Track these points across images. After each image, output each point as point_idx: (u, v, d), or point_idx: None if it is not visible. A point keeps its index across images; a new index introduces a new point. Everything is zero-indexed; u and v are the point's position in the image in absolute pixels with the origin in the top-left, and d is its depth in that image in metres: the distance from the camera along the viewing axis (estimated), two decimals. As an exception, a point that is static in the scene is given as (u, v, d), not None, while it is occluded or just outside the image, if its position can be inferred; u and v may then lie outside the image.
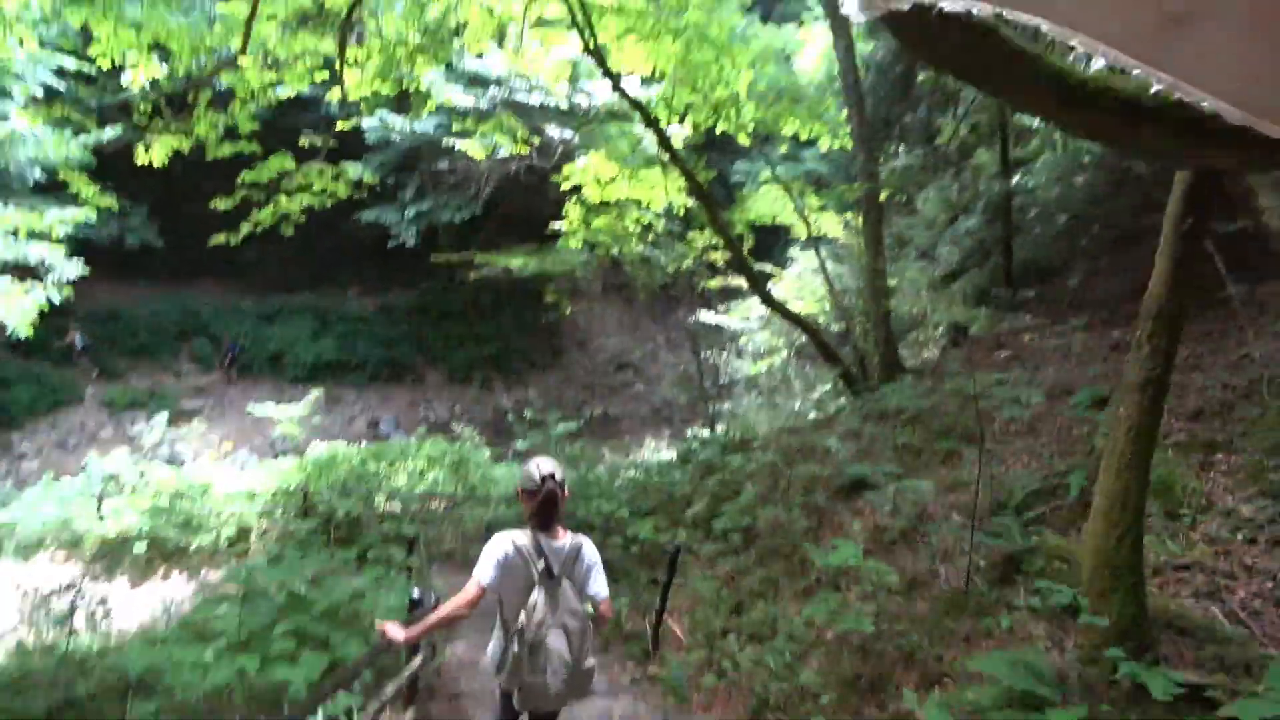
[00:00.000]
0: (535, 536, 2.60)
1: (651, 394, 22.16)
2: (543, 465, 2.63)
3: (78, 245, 12.57)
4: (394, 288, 22.83)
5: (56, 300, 10.82)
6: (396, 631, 2.62)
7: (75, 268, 11.71)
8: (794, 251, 13.85)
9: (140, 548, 9.50)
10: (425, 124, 16.85)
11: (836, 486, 6.42)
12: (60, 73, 12.05)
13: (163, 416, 16.26)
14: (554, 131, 16.60)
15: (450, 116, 14.94)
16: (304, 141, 9.83)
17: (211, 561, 9.34)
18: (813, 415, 9.74)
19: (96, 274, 12.82)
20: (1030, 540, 4.20)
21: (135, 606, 7.78)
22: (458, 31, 9.64)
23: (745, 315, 12.94)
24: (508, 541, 2.59)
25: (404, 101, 11.81)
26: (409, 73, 9.57)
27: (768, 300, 10.07)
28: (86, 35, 7.10)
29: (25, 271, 10.98)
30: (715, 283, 13.19)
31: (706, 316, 13.45)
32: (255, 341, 20.51)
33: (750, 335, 12.89)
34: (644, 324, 23.92)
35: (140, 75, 7.19)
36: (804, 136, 11.13)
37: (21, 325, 10.24)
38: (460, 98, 14.85)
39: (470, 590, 2.48)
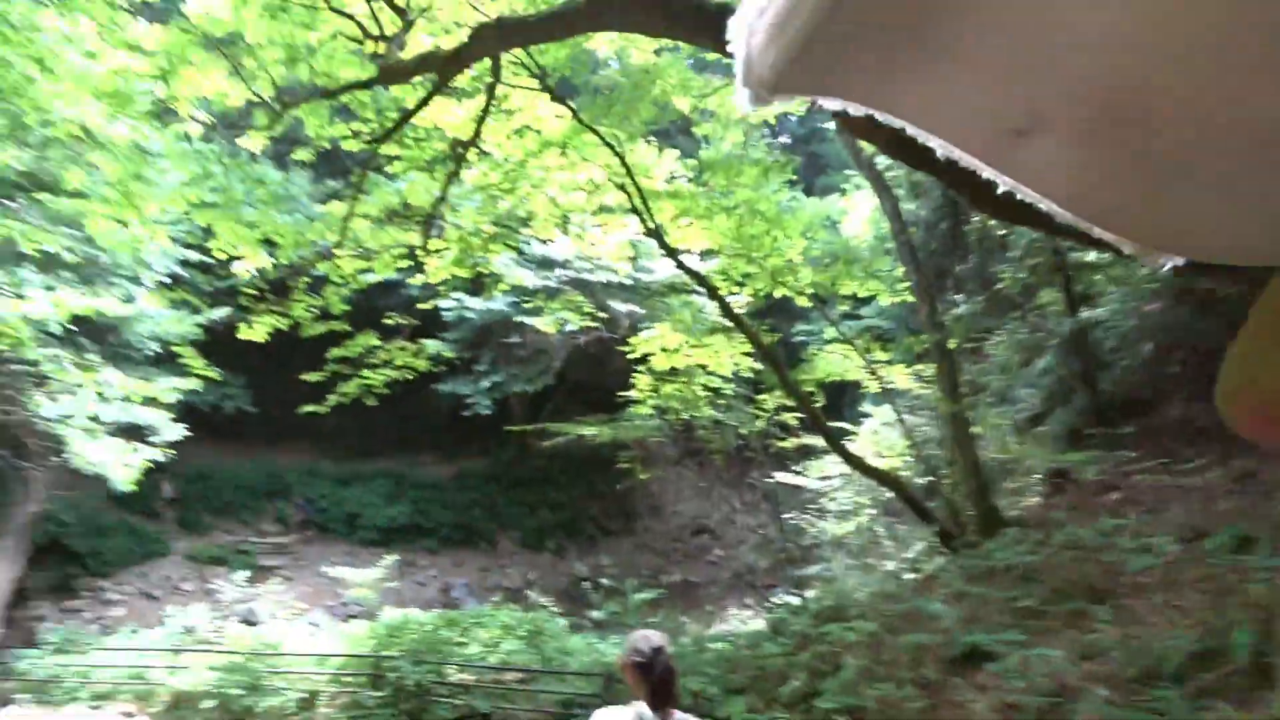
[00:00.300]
0: (645, 716, 2.38)
1: (731, 559, 21.24)
2: (651, 638, 2.47)
3: (182, 410, 13.82)
4: (468, 455, 23.36)
5: (161, 460, 11.56)
6: None
7: (177, 430, 12.97)
8: (867, 406, 13.61)
9: (208, 705, 9.34)
10: (498, 303, 17.99)
11: (949, 657, 5.78)
12: (184, 263, 14.09)
13: (242, 574, 16.51)
14: (619, 306, 17.44)
15: (521, 296, 15.92)
16: (389, 320, 10.55)
17: (276, 727, 9.00)
18: (909, 576, 9.04)
19: (194, 436, 14.03)
20: (1204, 717, 3.60)
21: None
22: (526, 221, 10.49)
23: (824, 474, 12.54)
24: None
25: (478, 283, 12.78)
26: (483, 258, 10.35)
27: (846, 457, 9.77)
28: (208, 231, 8.11)
29: (133, 433, 12.08)
30: (790, 443, 12.97)
31: (784, 477, 13.08)
32: (333, 504, 21.20)
33: (832, 494, 12.41)
34: (719, 488, 23.45)
35: (249, 264, 8.10)
36: (861, 294, 11.36)
37: (125, 481, 11.18)
38: (530, 279, 15.89)
39: None
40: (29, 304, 8.84)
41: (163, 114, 6.74)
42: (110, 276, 12.75)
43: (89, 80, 5.98)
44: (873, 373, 11.22)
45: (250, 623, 14.02)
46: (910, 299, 10.82)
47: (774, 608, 10.68)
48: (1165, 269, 0.66)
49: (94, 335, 12.79)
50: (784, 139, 26.41)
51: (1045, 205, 0.59)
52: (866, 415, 13.32)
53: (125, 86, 6.06)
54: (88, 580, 16.47)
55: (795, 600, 10.29)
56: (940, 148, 0.56)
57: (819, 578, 11.38)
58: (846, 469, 10.91)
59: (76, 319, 9.95)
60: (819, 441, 10.97)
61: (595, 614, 10.95)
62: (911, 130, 0.54)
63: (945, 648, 5.94)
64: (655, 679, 2.38)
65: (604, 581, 11.00)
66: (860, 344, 11.78)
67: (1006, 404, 11.79)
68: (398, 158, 8.65)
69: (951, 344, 10.50)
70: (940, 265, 13.14)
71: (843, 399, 16.69)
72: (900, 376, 11.89)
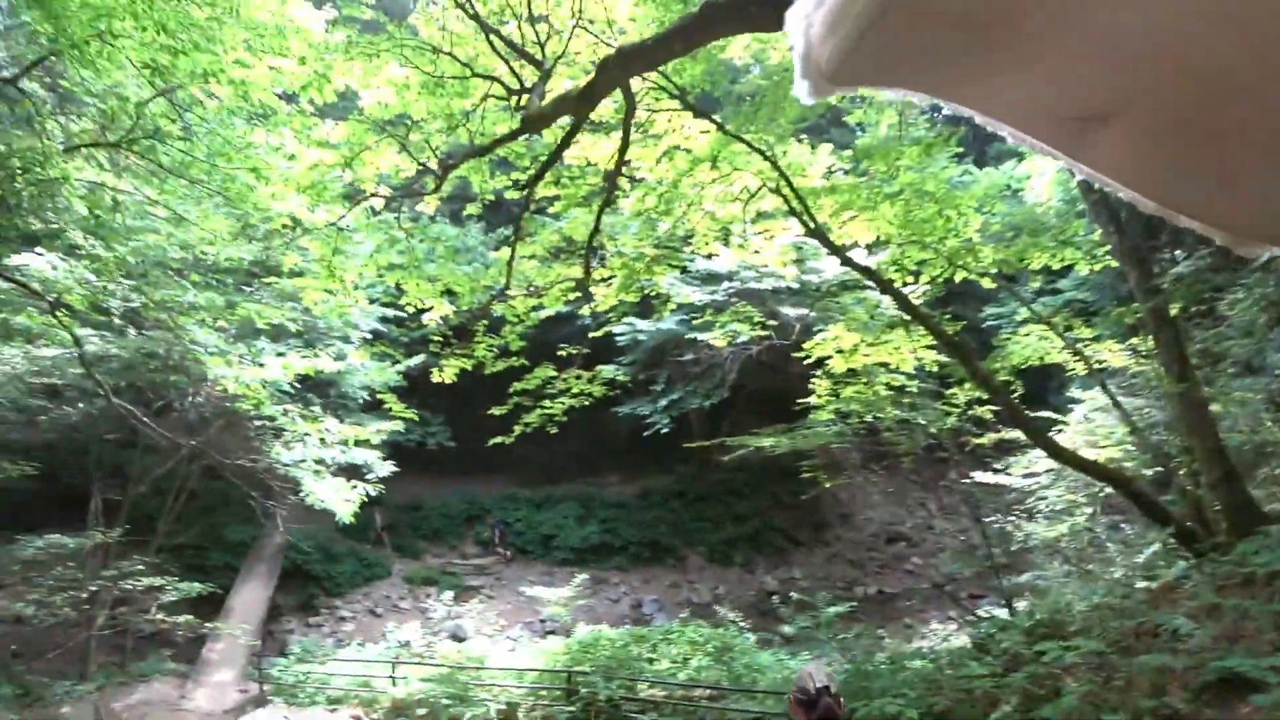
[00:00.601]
0: None
1: (930, 568, 19.91)
2: (816, 675, 2.48)
3: (390, 449, 15.70)
4: (650, 474, 24.03)
5: (374, 494, 13.17)
6: None
7: (387, 467, 14.73)
8: (1075, 391, 12.22)
9: (421, 713, 10.53)
10: (668, 322, 18.34)
11: (1200, 684, 4.99)
12: (382, 320, 16.24)
13: (449, 593, 18.31)
14: (789, 311, 17.06)
15: (690, 313, 16.10)
16: (563, 352, 11.15)
17: (479, 736, 9.85)
18: (1142, 585, 7.92)
19: (402, 471, 15.76)
20: None
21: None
22: (687, 239, 10.61)
23: (1029, 470, 11.38)
24: None
25: (648, 305, 13.13)
26: (648, 281, 10.61)
27: (1053, 451, 8.80)
28: (399, 289, 9.24)
29: (352, 472, 13.73)
30: (987, 439, 11.94)
31: (983, 477, 12.04)
32: (528, 527, 22.80)
33: (1040, 493, 11.21)
34: (912, 491, 22.11)
35: (435, 314, 9.00)
36: (1055, 266, 10.26)
37: (347, 515, 12.67)
38: (697, 295, 16.00)
39: None
40: (265, 370, 10.43)
41: (352, 195, 7.68)
42: (325, 339, 14.92)
43: (293, 179, 7.01)
44: (1077, 353, 10.10)
45: (458, 638, 15.43)
46: (1114, 264, 9.62)
47: (979, 621, 9.84)
48: (1262, 260, 0.61)
49: (316, 389, 15.06)
50: (946, 110, 24.61)
51: (1125, 194, 0.58)
52: (1075, 401, 11.96)
53: (320, 178, 7.02)
54: (325, 600, 19.05)
55: (1003, 613, 9.44)
56: (1010, 135, 0.56)
57: (1030, 587, 10.32)
58: (1055, 464, 9.85)
59: (301, 377, 11.64)
60: (1020, 436, 10.01)
61: (786, 629, 10.72)
62: (980, 119, 0.55)
63: (1194, 672, 5.15)
64: (816, 719, 2.37)
65: (794, 595, 10.73)
66: (1059, 322, 10.68)
67: (1255, 374, 10.04)
68: (557, 198, 9.16)
69: (1173, 310, 9.16)
70: (1149, 220, 11.48)
71: (1046, 385, 15.15)
72: (1111, 354, 10.61)
